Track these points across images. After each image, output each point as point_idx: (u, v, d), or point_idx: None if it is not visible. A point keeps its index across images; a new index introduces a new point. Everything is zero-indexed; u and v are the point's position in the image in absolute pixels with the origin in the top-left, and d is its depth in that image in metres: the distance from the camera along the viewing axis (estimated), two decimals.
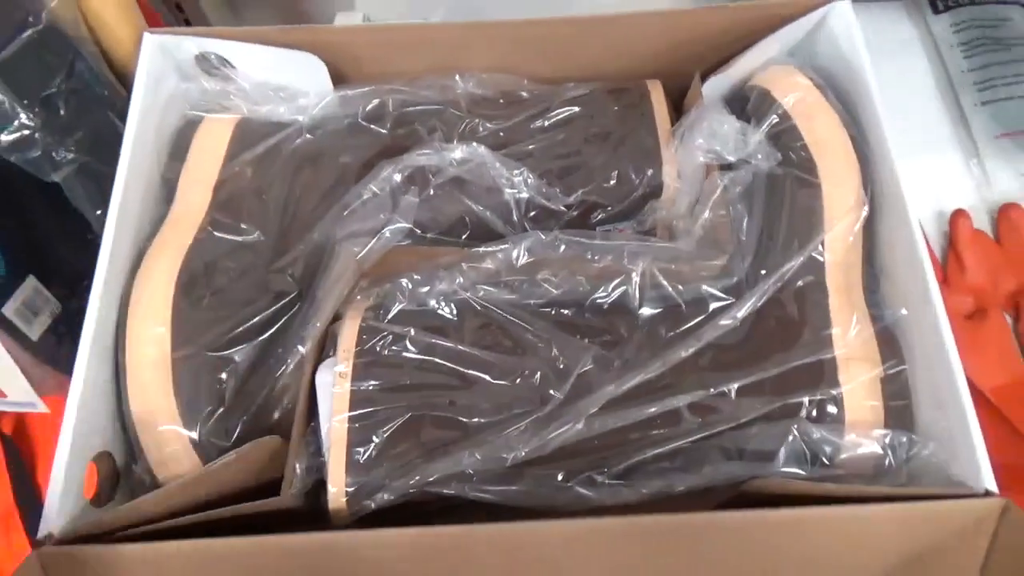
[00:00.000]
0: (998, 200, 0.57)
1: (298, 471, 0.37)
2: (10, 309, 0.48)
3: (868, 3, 0.66)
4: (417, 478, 0.37)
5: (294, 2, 0.68)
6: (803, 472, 0.38)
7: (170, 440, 0.37)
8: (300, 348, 0.39)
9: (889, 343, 0.41)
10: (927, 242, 0.54)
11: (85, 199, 0.45)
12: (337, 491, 0.37)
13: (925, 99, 0.62)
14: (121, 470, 0.39)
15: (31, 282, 0.50)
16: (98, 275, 0.40)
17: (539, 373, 0.39)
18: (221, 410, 0.38)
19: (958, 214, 0.55)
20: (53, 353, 0.51)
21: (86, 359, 0.38)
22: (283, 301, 0.41)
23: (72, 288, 0.53)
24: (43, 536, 0.34)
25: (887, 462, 0.38)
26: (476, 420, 0.38)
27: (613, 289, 0.41)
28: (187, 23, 0.63)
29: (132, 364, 0.38)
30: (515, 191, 0.43)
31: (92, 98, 0.46)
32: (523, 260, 0.41)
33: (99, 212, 0.46)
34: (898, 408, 0.40)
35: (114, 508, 0.35)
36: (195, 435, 0.37)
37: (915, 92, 0.63)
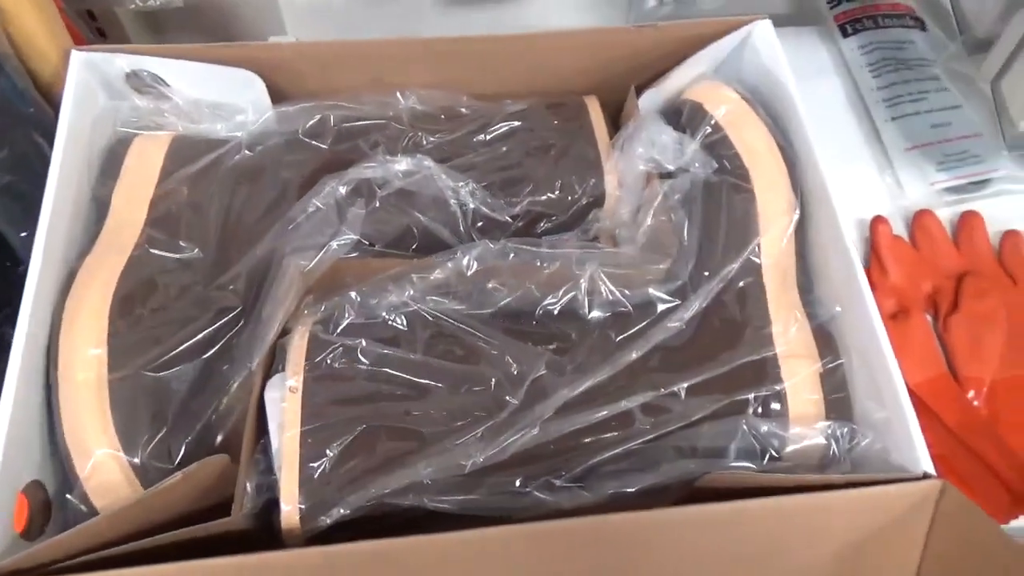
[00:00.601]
0: (911, 207, 0.60)
1: (249, 490, 0.36)
2: None
3: (785, 28, 0.70)
4: (373, 491, 0.36)
5: (222, 27, 0.67)
6: (753, 466, 0.39)
7: (108, 466, 0.36)
8: (248, 364, 0.37)
9: (826, 340, 0.42)
10: None
11: (7, 221, 0.43)
12: (290, 509, 0.35)
13: (841, 116, 0.66)
14: (54, 500, 0.37)
15: None
16: (27, 295, 0.38)
17: (493, 380, 0.39)
18: (164, 431, 0.36)
19: (878, 220, 0.58)
20: None
21: (15, 383, 0.36)
22: (226, 318, 0.40)
23: None
24: None
25: (831, 452, 0.40)
26: (432, 429, 0.38)
27: (562, 295, 0.42)
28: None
29: (65, 387, 0.36)
30: (461, 202, 0.43)
31: (15, 116, 0.44)
32: (472, 269, 0.41)
33: (24, 234, 0.44)
34: (837, 401, 0.41)
35: (47, 540, 0.33)
36: (136, 459, 0.36)
37: (831, 110, 0.66)
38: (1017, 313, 0.55)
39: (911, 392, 0.51)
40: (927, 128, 0.63)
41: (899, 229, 0.60)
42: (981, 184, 0.61)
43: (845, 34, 0.68)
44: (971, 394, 0.53)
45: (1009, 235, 0.58)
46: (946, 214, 0.60)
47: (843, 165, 0.63)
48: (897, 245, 0.58)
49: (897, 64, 0.65)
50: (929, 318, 0.57)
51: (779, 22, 0.68)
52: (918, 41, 0.67)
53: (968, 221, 0.59)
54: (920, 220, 0.59)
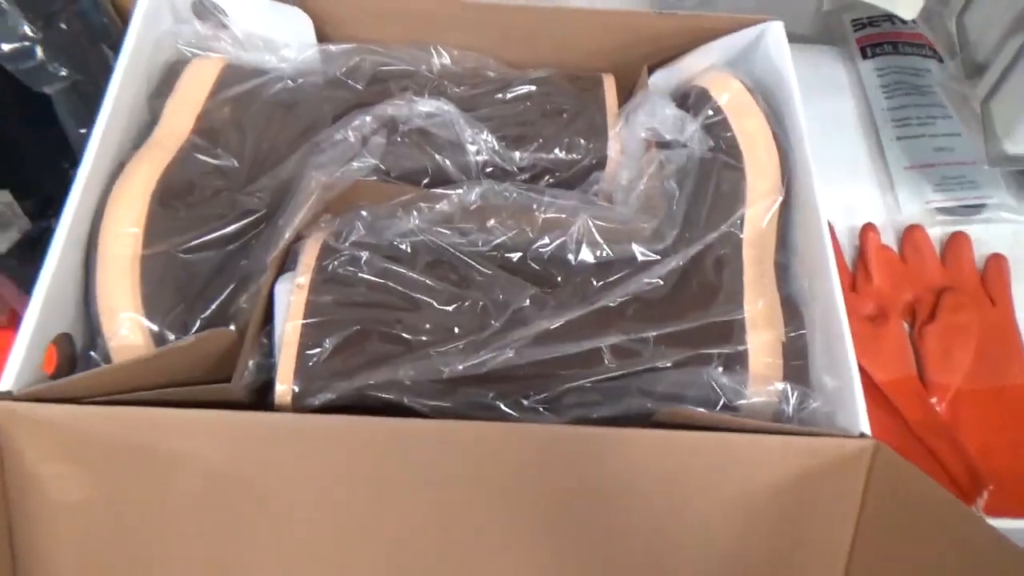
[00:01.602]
0: (905, 223, 0.63)
1: (250, 366, 0.40)
2: None
3: (809, 44, 0.73)
4: (358, 382, 0.40)
5: None
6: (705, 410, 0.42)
7: (130, 327, 0.40)
8: (264, 259, 0.42)
9: (793, 311, 0.46)
10: (837, 245, 0.60)
11: (71, 114, 0.48)
12: (284, 388, 0.40)
13: (850, 131, 0.69)
14: (80, 355, 0.41)
15: (5, 196, 0.52)
16: (79, 178, 0.43)
17: (480, 304, 0.43)
18: (183, 306, 0.41)
19: (867, 228, 0.61)
20: (16, 268, 0.53)
21: (60, 247, 0.40)
22: (250, 218, 0.44)
23: (42, 210, 0.55)
24: (1, 392, 0.36)
25: (783, 411, 0.43)
26: (419, 338, 0.41)
27: (553, 240, 0.46)
28: None
29: (103, 256, 0.41)
30: (476, 148, 0.48)
31: (91, 26, 0.49)
32: (475, 204, 0.45)
33: (83, 130, 0.49)
34: (796, 367, 0.44)
35: (66, 378, 0.37)
36: (155, 326, 0.40)
37: (842, 124, 0.70)
38: (991, 332, 0.58)
39: (878, 389, 0.55)
40: (930, 150, 0.66)
41: (891, 243, 0.63)
42: (975, 208, 0.64)
43: (865, 56, 0.71)
44: (934, 400, 0.56)
45: (994, 257, 0.61)
46: (937, 233, 0.63)
47: (846, 178, 0.67)
48: (883, 253, 0.61)
49: (910, 89, 0.69)
50: (906, 325, 0.59)
51: (803, 39, 0.72)
52: (933, 71, 0.70)
53: (956, 241, 0.62)
54: (910, 233, 0.62)
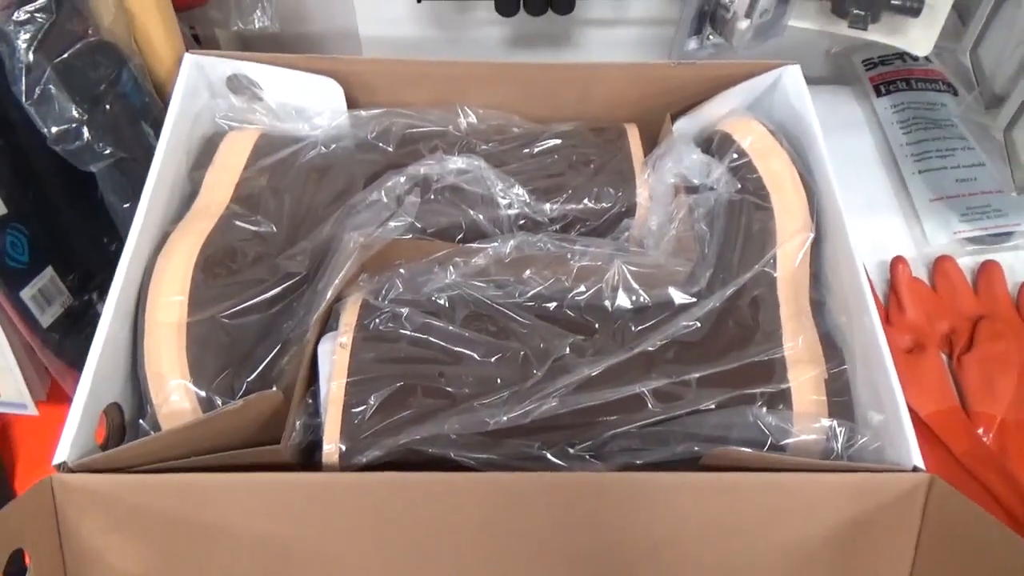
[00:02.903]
0: (933, 254, 0.63)
1: (297, 427, 0.40)
2: (27, 294, 0.52)
3: (821, 86, 0.75)
4: (404, 438, 0.40)
5: (304, 50, 0.75)
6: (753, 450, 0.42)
7: (179, 394, 0.41)
8: (307, 321, 0.43)
9: (832, 347, 0.46)
10: (870, 280, 0.60)
11: (115, 191, 0.50)
12: (332, 447, 0.40)
13: (871, 168, 0.70)
14: (129, 424, 0.42)
15: (49, 272, 0.54)
16: (126, 251, 0.44)
17: (521, 354, 0.43)
18: (229, 371, 0.42)
19: (897, 260, 0.61)
20: (59, 342, 0.54)
21: (108, 320, 0.41)
22: (291, 281, 0.45)
23: (84, 285, 0.57)
24: (57, 464, 0.36)
25: (830, 448, 0.42)
26: (463, 391, 0.42)
27: (589, 288, 0.46)
28: None
29: (150, 325, 0.42)
30: (507, 202, 0.49)
31: (133, 105, 0.51)
32: (511, 257, 0.46)
33: (127, 205, 0.51)
34: (840, 404, 0.44)
35: (117, 448, 0.38)
36: (202, 392, 0.41)
37: (862, 163, 0.70)
38: None
39: (923, 422, 0.54)
40: (952, 182, 0.66)
41: (922, 275, 0.63)
42: (1002, 236, 0.64)
43: (879, 94, 0.73)
44: (981, 430, 0.55)
45: None
46: (967, 263, 0.63)
47: (870, 213, 0.67)
48: (915, 285, 0.61)
49: (927, 123, 0.70)
50: (944, 356, 0.59)
51: (817, 81, 0.73)
52: (949, 104, 0.71)
53: (988, 269, 0.62)
54: (940, 264, 0.62)
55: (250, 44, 0.74)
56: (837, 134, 0.70)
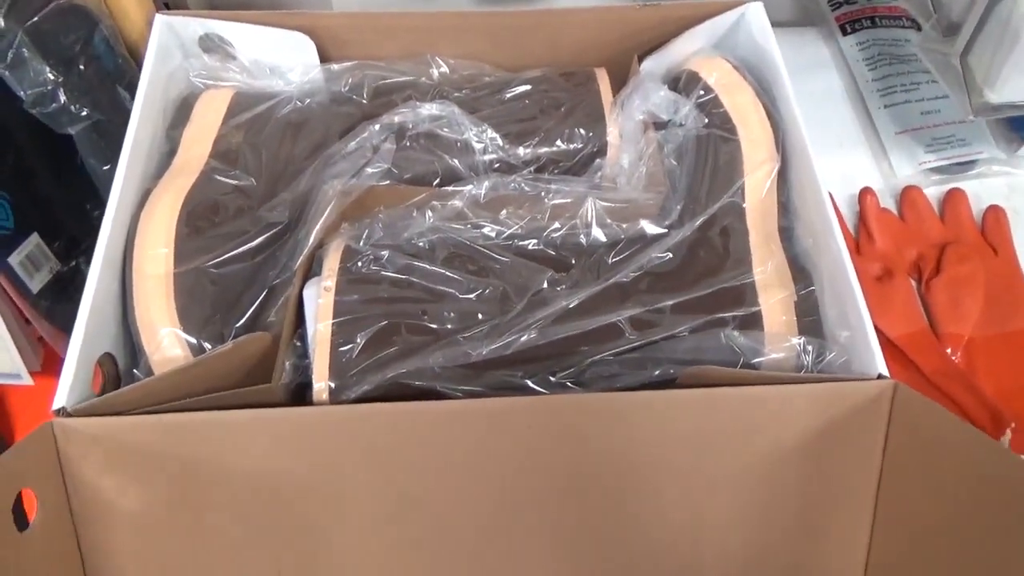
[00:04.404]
0: (901, 185, 0.65)
1: (287, 367, 0.42)
2: (15, 260, 0.53)
3: (789, 27, 0.76)
4: (391, 374, 0.42)
5: (274, 6, 0.75)
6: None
7: (171, 341, 0.42)
8: (291, 267, 0.44)
9: (801, 270, 0.47)
10: (837, 210, 0.62)
11: (94, 153, 0.51)
12: (321, 385, 0.41)
13: (838, 106, 0.71)
14: (123, 374, 0.43)
15: (35, 238, 0.54)
16: (108, 209, 0.45)
17: (501, 289, 0.45)
18: (218, 317, 0.43)
19: (865, 192, 0.63)
20: (49, 308, 0.55)
21: (97, 274, 0.42)
22: (273, 231, 0.46)
23: (69, 251, 0.57)
24: (56, 409, 0.38)
25: (801, 364, 0.44)
26: (445, 326, 0.43)
27: (564, 224, 0.48)
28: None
29: (138, 277, 0.43)
30: (482, 146, 0.50)
31: (106, 68, 0.51)
32: (486, 198, 0.47)
33: (107, 167, 0.52)
34: (809, 323, 0.46)
35: (112, 392, 0.39)
36: (192, 338, 0.42)
37: (830, 102, 0.72)
38: (996, 279, 0.59)
39: (893, 344, 0.56)
40: (917, 114, 0.68)
41: (890, 206, 0.65)
42: (966, 165, 0.65)
43: (844, 33, 0.74)
44: (948, 350, 0.57)
45: (991, 209, 0.63)
46: (933, 192, 0.65)
47: (839, 150, 0.69)
48: (884, 215, 0.63)
49: (892, 59, 0.71)
50: (913, 282, 0.61)
51: (785, 24, 0.74)
52: (912, 40, 0.72)
53: (953, 197, 0.63)
54: (907, 194, 0.64)
55: (217, 3, 0.74)
56: (805, 74, 0.72)
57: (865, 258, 0.61)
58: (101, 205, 0.54)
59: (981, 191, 0.64)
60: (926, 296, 0.59)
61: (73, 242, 0.58)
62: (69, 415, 0.38)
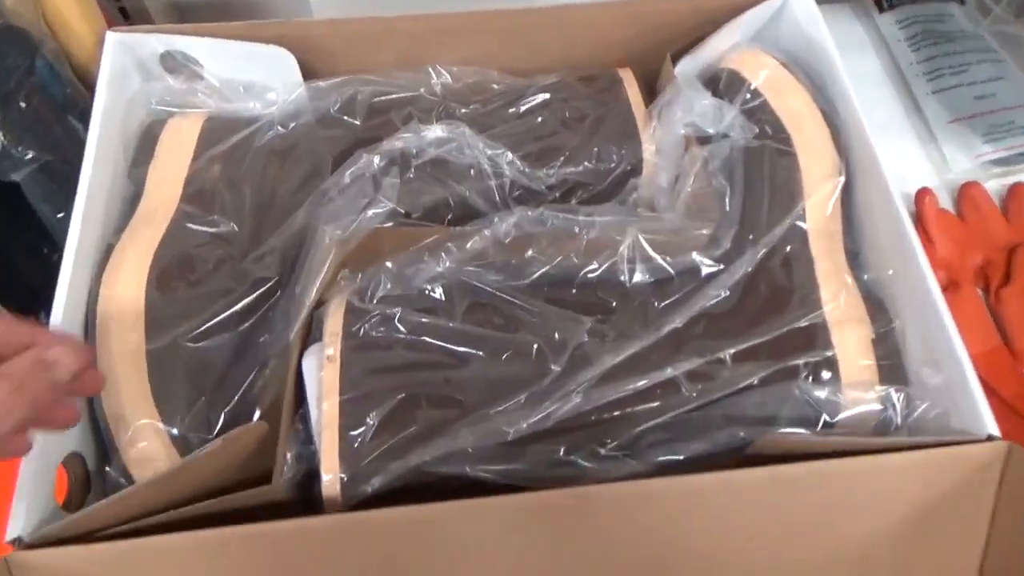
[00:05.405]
0: (956, 181, 0.59)
1: (288, 459, 0.35)
2: None
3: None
4: (414, 460, 0.35)
5: (247, 14, 0.67)
6: (806, 432, 0.37)
7: (147, 436, 0.35)
8: (286, 334, 0.37)
9: (876, 305, 0.41)
10: None
11: (45, 199, 0.43)
12: (331, 478, 0.35)
13: (880, 91, 0.64)
14: (93, 474, 0.36)
15: None
16: (63, 271, 0.38)
17: (534, 347, 0.38)
18: (202, 402, 0.36)
19: (923, 192, 0.56)
20: None
21: None
22: (262, 289, 0.39)
23: (29, 304, 0.50)
24: (11, 540, 0.31)
25: (887, 418, 0.38)
26: (472, 397, 0.37)
27: (603, 263, 0.41)
28: None
29: (103, 358, 0.36)
30: (497, 171, 0.43)
31: (53, 98, 0.44)
32: (510, 237, 0.40)
33: (60, 215, 0.44)
34: (891, 367, 0.40)
35: (85, 509, 0.32)
36: (174, 429, 0.35)
37: (870, 85, 0.65)
38: None
39: None
40: (970, 100, 0.61)
41: (945, 204, 0.58)
42: None
43: (881, 9, 0.67)
44: None
45: None
46: (994, 187, 0.59)
47: (884, 140, 0.60)
48: (944, 217, 0.56)
49: (937, 37, 0.64)
50: (980, 292, 0.55)
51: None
52: (956, 14, 0.65)
53: (1018, 192, 0.57)
54: (967, 192, 0.57)
55: (187, 14, 0.66)
56: (840, 56, 0.64)
57: None
58: (59, 244, 0.47)
59: None
60: (996, 308, 0.53)
61: (30, 294, 0.50)
62: (28, 546, 0.31)
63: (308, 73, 0.47)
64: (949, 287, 0.54)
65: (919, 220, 0.56)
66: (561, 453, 0.37)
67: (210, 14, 0.66)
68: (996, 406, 0.49)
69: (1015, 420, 0.49)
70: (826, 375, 0.39)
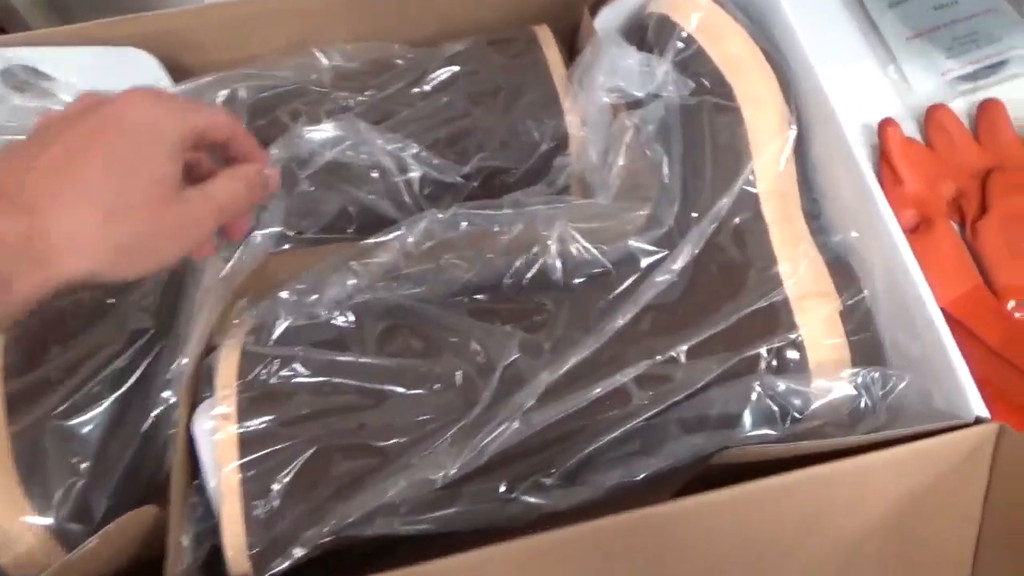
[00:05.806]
0: (921, 104, 0.54)
1: (184, 543, 0.30)
2: None
3: None
4: (333, 522, 0.31)
5: (130, 4, 0.60)
6: (774, 432, 0.33)
7: (20, 533, 0.30)
8: (166, 394, 0.32)
9: (843, 271, 0.37)
10: None
11: None
12: (237, 556, 0.30)
13: (831, 10, 0.59)
14: None
15: None
16: None
17: (459, 374, 0.33)
18: (79, 485, 0.31)
19: (886, 123, 0.51)
20: None
21: None
22: (139, 342, 0.34)
23: None
24: None
25: (863, 403, 0.34)
26: (394, 441, 0.32)
27: (530, 262, 0.36)
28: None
29: None
30: (403, 168, 0.37)
31: None
32: (422, 246, 0.35)
33: None
34: (863, 341, 0.36)
35: None
36: (50, 521, 0.31)
37: (818, 7, 0.59)
38: None
39: (944, 312, 0.45)
40: (930, 11, 0.56)
41: (911, 130, 0.53)
42: (997, 67, 0.54)
43: None
44: (1012, 304, 0.47)
45: None
46: (962, 106, 0.54)
47: (839, 65, 0.56)
48: (910, 147, 0.51)
49: None
50: (955, 226, 0.50)
51: None
52: None
53: (988, 111, 0.52)
54: (933, 116, 0.52)
55: (57, 6, 0.59)
56: None
57: (894, 205, 0.49)
58: None
59: (1019, 96, 0.53)
60: (973, 243, 0.49)
61: None
62: None
63: (177, 71, 0.41)
64: (921, 226, 0.49)
65: (884, 155, 0.51)
66: (502, 490, 0.32)
67: (92, 8, 0.59)
68: (980, 352, 0.46)
69: (1000, 366, 0.45)
70: (792, 357, 0.35)
